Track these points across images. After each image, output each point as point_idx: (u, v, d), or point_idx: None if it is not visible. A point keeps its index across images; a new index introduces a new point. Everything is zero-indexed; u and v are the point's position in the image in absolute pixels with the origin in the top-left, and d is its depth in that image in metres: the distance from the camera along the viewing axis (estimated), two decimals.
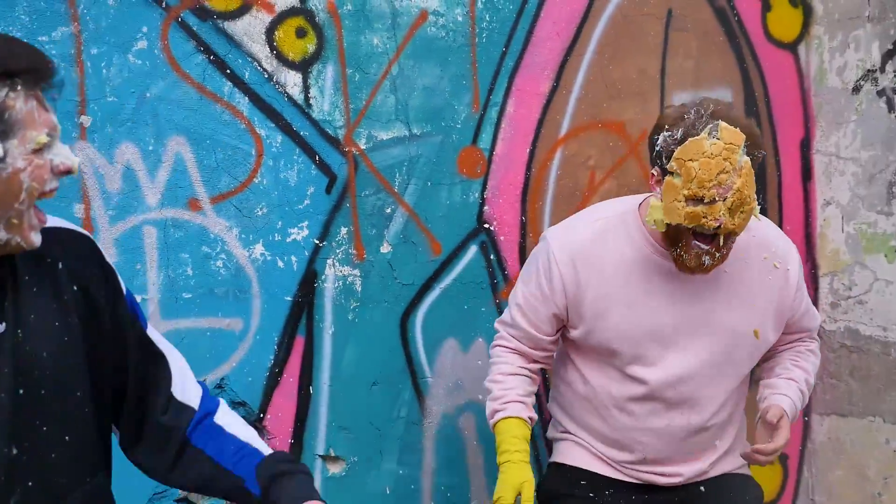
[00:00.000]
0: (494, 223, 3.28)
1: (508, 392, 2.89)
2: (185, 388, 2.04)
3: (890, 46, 3.74)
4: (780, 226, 3.79)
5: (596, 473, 2.92)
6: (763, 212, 3.75)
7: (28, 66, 1.63)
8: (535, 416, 2.94)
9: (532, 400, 2.94)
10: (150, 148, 2.79)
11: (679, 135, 2.57)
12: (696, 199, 2.51)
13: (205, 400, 2.06)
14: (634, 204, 2.83)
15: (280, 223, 2.96)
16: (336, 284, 3.06)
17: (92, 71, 2.70)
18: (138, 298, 2.65)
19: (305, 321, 3.02)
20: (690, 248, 2.60)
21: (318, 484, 2.95)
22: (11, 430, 1.70)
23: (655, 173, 2.67)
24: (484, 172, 3.26)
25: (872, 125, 3.79)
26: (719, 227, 2.50)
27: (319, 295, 3.04)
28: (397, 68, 3.11)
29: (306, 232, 3.00)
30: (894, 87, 3.74)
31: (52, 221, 1.84)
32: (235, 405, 2.90)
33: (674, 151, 2.56)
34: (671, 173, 2.56)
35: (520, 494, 2.78)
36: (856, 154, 3.83)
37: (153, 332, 2.02)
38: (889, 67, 3.75)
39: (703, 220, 2.50)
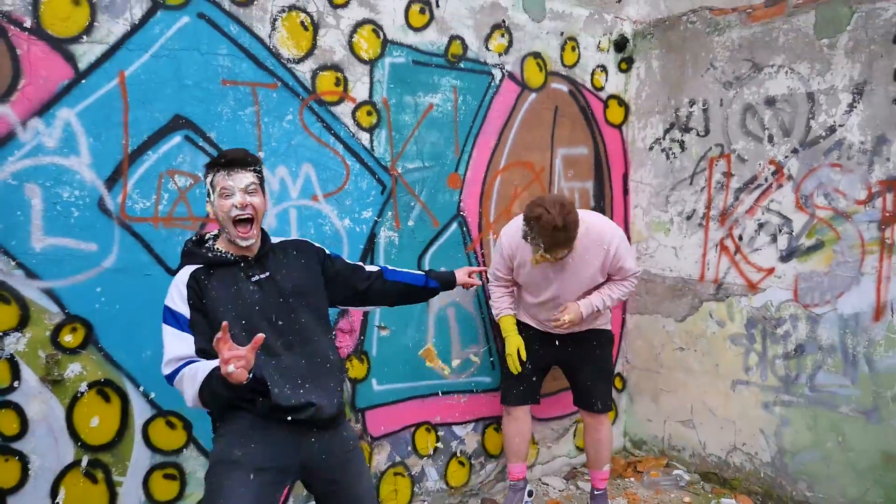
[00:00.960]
0: (465, 212, 3.33)
1: (501, 304, 3.13)
2: (371, 268, 2.35)
3: (667, 127, 3.84)
4: (612, 218, 3.90)
5: (528, 324, 3.13)
6: (603, 211, 3.90)
7: (220, 160, 2.00)
8: (516, 311, 3.16)
9: (514, 304, 3.17)
10: (293, 169, 2.79)
11: (525, 228, 2.71)
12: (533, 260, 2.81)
13: (381, 268, 2.37)
14: None
15: (357, 208, 2.97)
16: (385, 240, 3.06)
17: (264, 129, 2.71)
18: None
19: (369, 258, 3.02)
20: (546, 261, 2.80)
21: (374, 342, 3.12)
22: (278, 314, 2.01)
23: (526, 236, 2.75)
24: (461, 186, 3.29)
25: (658, 166, 3.87)
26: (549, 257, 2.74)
27: (377, 246, 3.04)
28: (417, 132, 3.12)
29: (370, 213, 3.01)
30: (669, 147, 3.83)
31: (290, 239, 2.21)
32: None
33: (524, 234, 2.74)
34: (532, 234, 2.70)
35: (518, 351, 3.05)
36: (650, 181, 3.90)
37: (345, 259, 2.32)
38: (666, 137, 3.83)
39: (545, 259, 2.78)
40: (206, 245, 2.06)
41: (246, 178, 1.98)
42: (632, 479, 3.74)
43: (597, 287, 3.02)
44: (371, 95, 2.99)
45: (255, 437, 1.93)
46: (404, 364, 3.18)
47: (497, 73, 3.39)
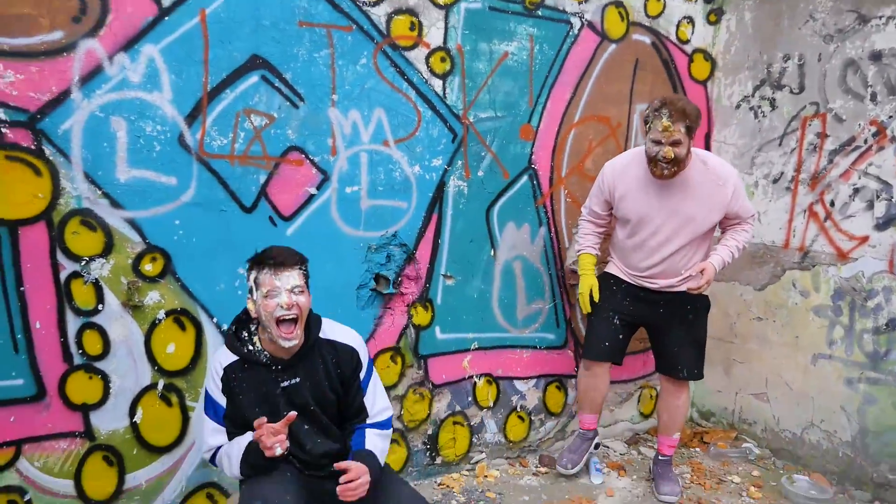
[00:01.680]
0: (537, 165, 3.27)
1: (586, 242, 3.10)
2: (364, 415, 2.23)
3: (757, 84, 3.64)
4: None
5: (618, 277, 3.06)
6: None
7: (267, 261, 2.04)
8: (599, 253, 3.11)
9: (598, 245, 3.12)
10: (365, 113, 2.78)
11: (651, 110, 2.71)
12: (655, 141, 2.70)
13: (362, 427, 2.20)
14: (642, 148, 2.86)
15: (428, 156, 2.96)
16: (454, 189, 3.05)
17: (338, 72, 2.70)
18: (356, 188, 2.85)
19: (438, 207, 3.02)
20: (657, 165, 2.73)
21: (440, 290, 3.12)
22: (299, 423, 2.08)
23: (643, 128, 2.82)
24: (533, 138, 3.24)
25: (745, 126, 3.69)
26: (665, 156, 2.67)
27: (446, 194, 3.03)
28: (491, 81, 3.07)
29: (440, 161, 2.99)
30: (758, 106, 3.64)
31: (340, 336, 2.18)
32: (402, 245, 2.94)
33: (648, 119, 2.71)
34: (648, 130, 2.72)
35: (591, 291, 3.06)
36: (735, 141, 3.73)
37: (364, 390, 2.21)
38: (756, 94, 3.64)
39: (657, 151, 2.69)
40: (246, 337, 2.11)
41: (292, 278, 2.02)
42: (697, 449, 3.64)
43: (702, 238, 2.89)
44: (445, 41, 2.95)
45: (283, 480, 2.06)
46: (468, 314, 3.18)
47: (576, 23, 3.28)
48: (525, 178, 3.26)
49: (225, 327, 2.61)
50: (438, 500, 2.92)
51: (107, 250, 2.38)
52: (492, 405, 3.30)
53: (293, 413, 1.94)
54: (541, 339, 3.41)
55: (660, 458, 3.20)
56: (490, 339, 3.27)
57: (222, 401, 2.06)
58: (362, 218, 2.85)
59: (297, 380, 2.09)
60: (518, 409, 3.39)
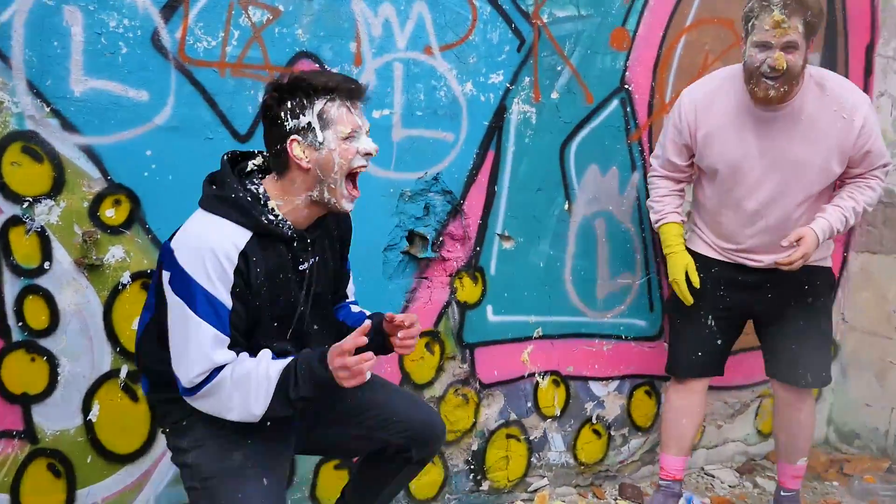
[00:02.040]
0: (632, 85, 3.35)
1: (665, 207, 3.13)
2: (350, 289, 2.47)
3: None
4: None
5: (707, 257, 3.11)
6: None
7: (339, 86, 1.99)
8: (685, 219, 3.19)
9: (682, 207, 3.17)
10: (401, 7, 2.85)
11: (755, 1, 2.75)
12: (761, 45, 2.72)
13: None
14: (740, 68, 2.90)
15: (484, 69, 3.02)
16: (518, 117, 3.12)
17: None
18: (386, 112, 2.94)
19: (496, 140, 3.10)
20: (759, 83, 2.76)
21: (494, 255, 3.22)
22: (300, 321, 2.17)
23: (740, 39, 2.86)
24: (628, 48, 3.31)
25: None
26: (775, 64, 2.68)
27: (507, 123, 3.10)
28: None
29: (501, 77, 3.06)
30: None
31: None
32: (445, 192, 3.05)
33: (750, 14, 2.75)
34: (748, 33, 2.77)
35: (687, 273, 3.07)
36: None
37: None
38: None
39: (762, 60, 2.72)
40: (258, 196, 2.06)
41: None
42: (835, 482, 3.79)
43: (818, 196, 2.96)
44: None
45: (246, 435, 2.09)
46: (531, 290, 3.30)
47: None
48: (615, 102, 3.34)
49: None
50: None
51: (56, 189, 2.48)
52: (558, 414, 3.44)
53: (367, 324, 1.97)
54: (628, 326, 3.54)
55: (782, 492, 3.31)
56: (559, 324, 3.39)
57: (227, 300, 1.96)
58: (394, 154, 2.95)
59: (313, 260, 2.15)
60: (594, 421, 3.54)
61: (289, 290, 2.10)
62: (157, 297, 2.07)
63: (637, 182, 3.47)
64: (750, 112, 2.90)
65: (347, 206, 2.08)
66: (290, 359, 2.01)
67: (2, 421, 2.51)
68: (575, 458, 3.53)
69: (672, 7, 3.40)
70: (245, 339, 2.04)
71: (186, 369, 1.97)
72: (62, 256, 2.53)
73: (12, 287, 2.47)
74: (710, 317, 3.14)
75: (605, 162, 3.37)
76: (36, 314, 2.52)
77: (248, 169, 2.15)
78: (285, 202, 2.07)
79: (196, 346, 1.94)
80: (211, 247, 1.94)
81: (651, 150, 3.42)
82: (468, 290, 3.19)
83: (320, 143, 2.00)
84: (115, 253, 2.60)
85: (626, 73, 3.35)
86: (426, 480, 3.19)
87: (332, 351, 1.95)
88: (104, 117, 2.52)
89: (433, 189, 3.05)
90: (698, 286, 3.09)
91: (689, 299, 3.10)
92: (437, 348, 3.16)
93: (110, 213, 2.58)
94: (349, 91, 2.02)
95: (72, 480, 2.62)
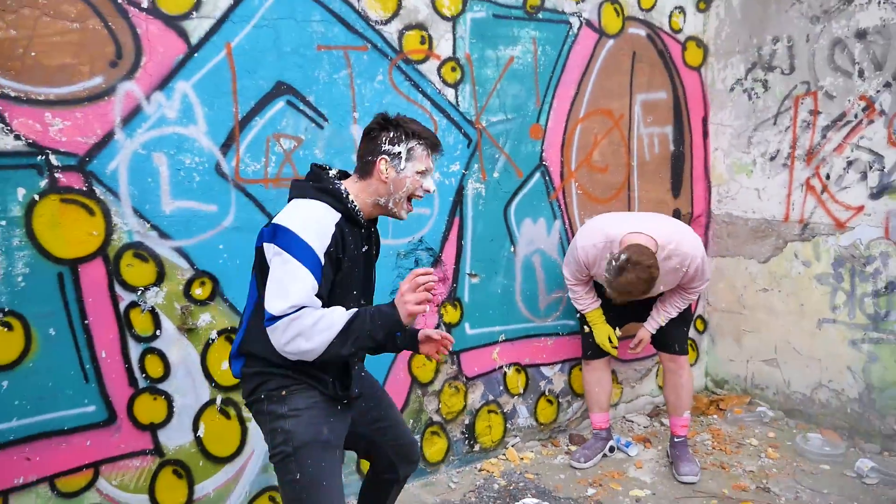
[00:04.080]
0: (548, 162, 3.38)
1: (587, 299, 3.14)
2: None
3: (749, 66, 3.77)
4: (691, 164, 3.89)
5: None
6: (682, 155, 3.88)
7: (429, 138, 1.94)
8: (599, 302, 3.16)
9: (595, 295, 3.17)
10: None
11: (613, 271, 2.71)
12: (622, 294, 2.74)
13: None
14: (612, 236, 2.88)
15: (446, 162, 3.05)
16: (473, 192, 3.15)
17: (357, 90, 2.81)
18: None
19: (459, 210, 3.12)
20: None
21: (466, 288, 3.18)
22: (365, 291, 2.00)
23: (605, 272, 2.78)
24: (542, 137, 3.34)
25: (740, 107, 3.82)
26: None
27: (465, 198, 3.12)
28: (499, 86, 3.17)
29: (458, 166, 3.10)
30: (751, 88, 3.77)
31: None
32: (428, 249, 3.05)
33: (610, 281, 2.74)
34: (609, 281, 2.75)
35: (609, 338, 3.12)
36: (731, 123, 3.86)
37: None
38: (748, 76, 3.77)
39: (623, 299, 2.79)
40: (343, 190, 1.90)
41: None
42: (715, 416, 3.81)
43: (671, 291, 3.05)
44: (454, 52, 3.05)
45: (331, 415, 1.91)
46: (494, 308, 3.32)
47: (575, 22, 3.39)
48: (537, 175, 3.37)
49: None
50: (481, 485, 3.08)
51: (159, 279, 2.50)
52: (522, 392, 3.45)
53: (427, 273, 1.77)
54: (562, 325, 3.56)
55: (675, 439, 3.23)
56: (516, 330, 3.40)
57: (322, 258, 1.77)
58: (390, 227, 2.96)
59: (367, 247, 1.98)
60: (546, 394, 3.54)
61: (360, 264, 1.93)
62: (258, 276, 1.87)
63: (558, 227, 3.49)
64: None
65: (404, 215, 1.97)
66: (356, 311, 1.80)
67: (137, 443, 2.50)
68: (537, 420, 3.53)
69: (569, 106, 3.44)
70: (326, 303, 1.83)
71: (282, 301, 1.72)
72: (168, 325, 2.53)
73: (136, 350, 2.47)
74: (606, 312, 3.18)
75: (535, 216, 3.40)
76: (154, 367, 2.52)
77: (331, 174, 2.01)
78: (358, 199, 1.92)
79: (295, 285, 1.72)
80: (316, 216, 1.82)
81: (566, 207, 3.46)
82: (451, 314, 3.20)
83: (401, 169, 1.90)
84: (204, 318, 2.60)
85: (543, 154, 3.38)
86: (434, 449, 3.18)
87: (401, 285, 1.79)
88: (188, 226, 2.53)
89: (419, 248, 3.07)
90: (616, 355, 3.23)
91: (614, 353, 3.18)
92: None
93: (199, 291, 2.58)
94: (433, 144, 1.96)
95: (191, 480, 2.61)
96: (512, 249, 3.34)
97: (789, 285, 3.67)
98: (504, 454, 3.37)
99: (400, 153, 1.90)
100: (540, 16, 3.27)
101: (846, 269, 3.42)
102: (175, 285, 2.53)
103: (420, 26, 2.96)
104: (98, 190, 2.36)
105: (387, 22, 2.88)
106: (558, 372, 3.57)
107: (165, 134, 2.47)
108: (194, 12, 2.49)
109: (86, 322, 2.37)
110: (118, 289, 2.42)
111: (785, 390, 3.75)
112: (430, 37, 2.98)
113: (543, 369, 3.52)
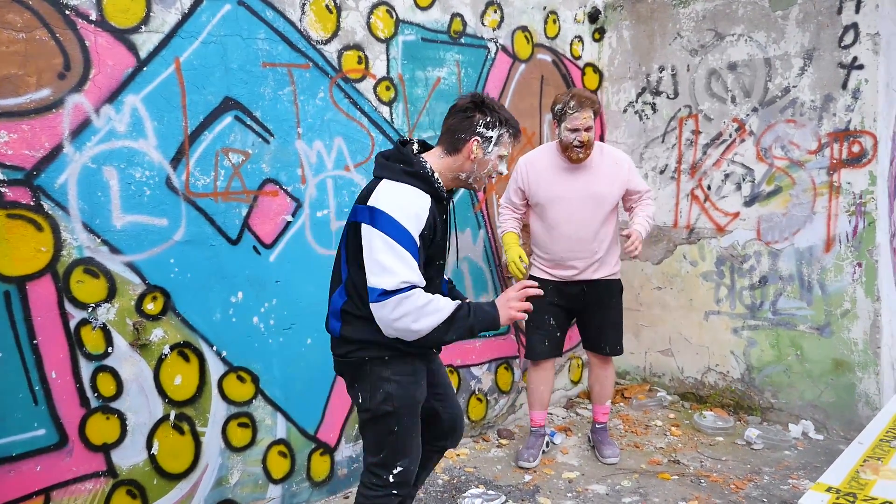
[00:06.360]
0: None
1: (506, 223, 3.33)
2: None
3: (639, 91, 4.24)
4: None
5: (544, 279, 3.28)
6: None
7: (516, 127, 2.11)
8: (519, 234, 3.33)
9: (518, 226, 3.35)
10: (327, 142, 2.99)
11: (560, 105, 3.06)
12: (571, 130, 3.06)
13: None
14: (554, 142, 3.22)
15: None
16: None
17: (301, 107, 2.89)
18: (325, 212, 3.06)
19: None
20: (572, 150, 3.09)
21: None
22: (444, 257, 2.15)
23: (555, 124, 3.14)
24: None
25: (632, 127, 4.27)
26: (582, 140, 3.05)
27: None
28: (429, 104, 3.36)
29: None
30: (641, 110, 4.23)
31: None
32: None
33: (561, 112, 3.06)
34: (560, 121, 3.08)
35: (520, 257, 3.22)
36: (625, 140, 4.30)
37: None
38: (639, 100, 4.23)
39: (574, 138, 3.07)
40: (430, 170, 2.01)
41: None
42: (621, 404, 4.23)
43: (609, 215, 3.20)
44: (388, 72, 3.23)
45: (422, 378, 2.11)
46: None
47: (492, 47, 3.68)
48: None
49: (225, 353, 2.75)
50: (426, 482, 3.23)
51: (111, 295, 2.46)
52: (455, 391, 3.64)
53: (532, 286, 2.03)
54: None
55: (597, 425, 3.49)
56: None
57: (418, 240, 1.92)
58: (333, 238, 3.06)
59: (446, 216, 2.11)
60: (476, 392, 3.76)
61: (445, 235, 2.10)
62: (351, 251, 2.00)
63: (483, 236, 3.73)
64: (562, 167, 3.19)
65: (481, 191, 2.22)
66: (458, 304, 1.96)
67: (90, 465, 2.43)
68: (469, 418, 3.73)
69: None
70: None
71: (391, 278, 1.85)
72: (120, 342, 2.49)
73: (87, 369, 2.42)
74: (550, 318, 3.31)
75: (462, 226, 3.60)
76: (106, 385, 2.46)
77: (415, 150, 2.12)
78: (442, 175, 2.06)
79: (403, 265, 1.86)
80: (410, 201, 1.94)
81: (489, 217, 3.73)
82: None
83: (488, 152, 2.06)
84: (157, 333, 2.58)
85: None
86: None
87: (505, 292, 2.03)
88: (139, 240, 2.52)
89: None
90: (528, 262, 3.27)
91: (519, 275, 3.20)
92: None
93: (150, 307, 2.56)
94: (517, 133, 2.11)
95: (145, 499, 2.57)
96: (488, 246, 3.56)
97: (680, 283, 4.17)
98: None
99: (491, 137, 2.04)
100: (462, 40, 3.53)
101: (727, 267, 3.96)
102: (127, 301, 2.50)
103: (357, 47, 3.11)
104: (46, 205, 2.30)
105: (327, 42, 3.01)
106: (486, 371, 3.81)
107: (115, 147, 2.45)
108: (143, 26, 2.50)
109: (34, 342, 2.29)
110: (68, 306, 2.36)
111: (679, 376, 4.24)
112: (366, 57, 3.14)
113: (473, 369, 3.74)
